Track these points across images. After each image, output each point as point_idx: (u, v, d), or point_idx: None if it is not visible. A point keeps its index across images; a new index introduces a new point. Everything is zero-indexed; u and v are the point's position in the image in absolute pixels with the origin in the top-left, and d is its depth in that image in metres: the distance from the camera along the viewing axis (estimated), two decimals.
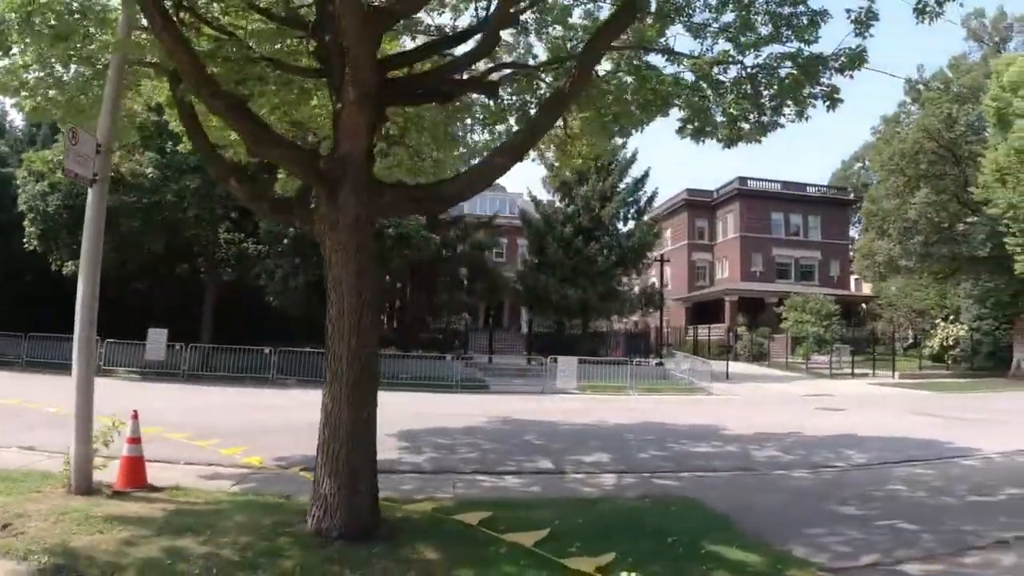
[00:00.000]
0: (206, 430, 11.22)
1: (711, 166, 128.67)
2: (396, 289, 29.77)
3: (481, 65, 8.48)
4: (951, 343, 35.14)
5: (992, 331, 33.64)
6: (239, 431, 11.48)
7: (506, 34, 8.72)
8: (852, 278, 52.13)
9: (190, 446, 10.06)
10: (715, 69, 7.96)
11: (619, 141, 31.73)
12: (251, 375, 23.21)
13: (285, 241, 23.36)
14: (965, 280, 33.03)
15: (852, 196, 51.23)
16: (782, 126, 8.17)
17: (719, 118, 8.29)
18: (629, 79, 7.94)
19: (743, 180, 49.97)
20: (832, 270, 49.13)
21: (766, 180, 50.63)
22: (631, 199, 32.21)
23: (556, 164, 11.73)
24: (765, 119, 8.12)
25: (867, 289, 50.39)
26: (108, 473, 7.18)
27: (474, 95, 9.13)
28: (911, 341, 41.93)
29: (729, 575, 5.19)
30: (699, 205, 53.79)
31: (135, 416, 7.48)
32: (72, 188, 21.51)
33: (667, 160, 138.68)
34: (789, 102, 7.89)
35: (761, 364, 39.27)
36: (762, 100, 7.95)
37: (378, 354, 6.60)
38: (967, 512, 7.24)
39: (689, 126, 8.09)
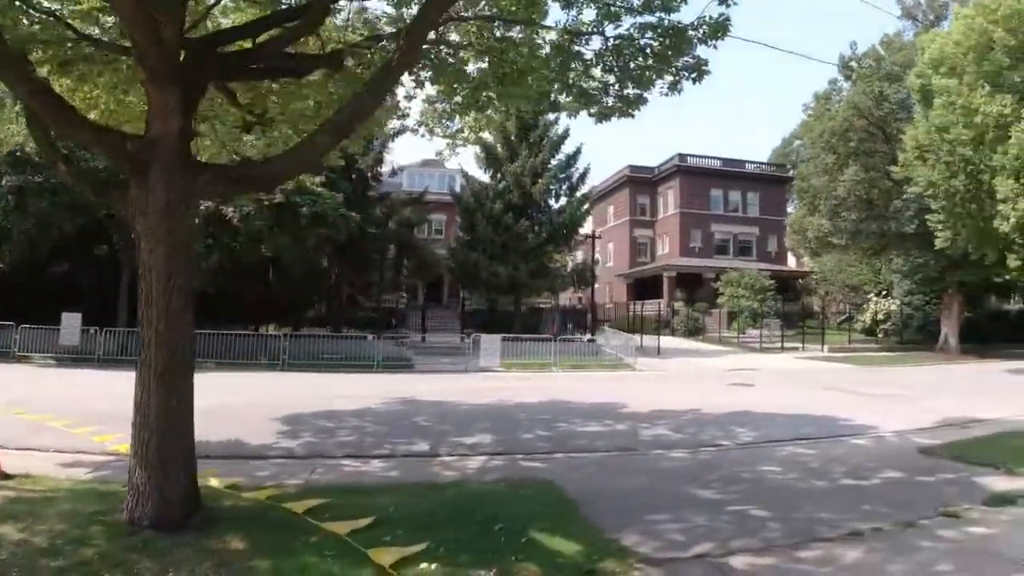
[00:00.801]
0: (92, 417, 10.75)
1: (666, 143, 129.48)
2: (322, 269, 28.87)
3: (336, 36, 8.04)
4: (882, 317, 36.02)
5: (923, 306, 34.53)
6: (124, 417, 10.75)
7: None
8: (790, 254, 52.98)
9: (67, 433, 9.73)
10: (578, 41, 7.56)
11: (551, 116, 31.62)
12: None
13: (196, 220, 22.27)
14: (896, 256, 33.68)
15: (791, 173, 51.77)
16: (645, 101, 7.83)
17: (591, 91, 7.95)
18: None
19: (683, 157, 50.05)
20: (770, 246, 49.78)
21: (706, 157, 50.80)
22: (563, 175, 31.79)
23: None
24: (630, 92, 7.76)
25: (809, 264, 51.25)
26: None
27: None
28: (845, 316, 42.85)
29: (536, 565, 4.85)
30: (641, 182, 53.76)
31: None
32: None
33: (619, 136, 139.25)
34: (655, 75, 7.55)
35: (696, 339, 39.62)
36: (629, 72, 7.58)
37: (192, 339, 6.19)
38: (833, 497, 6.96)
39: (546, 100, 7.70)
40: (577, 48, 7.52)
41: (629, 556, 5.11)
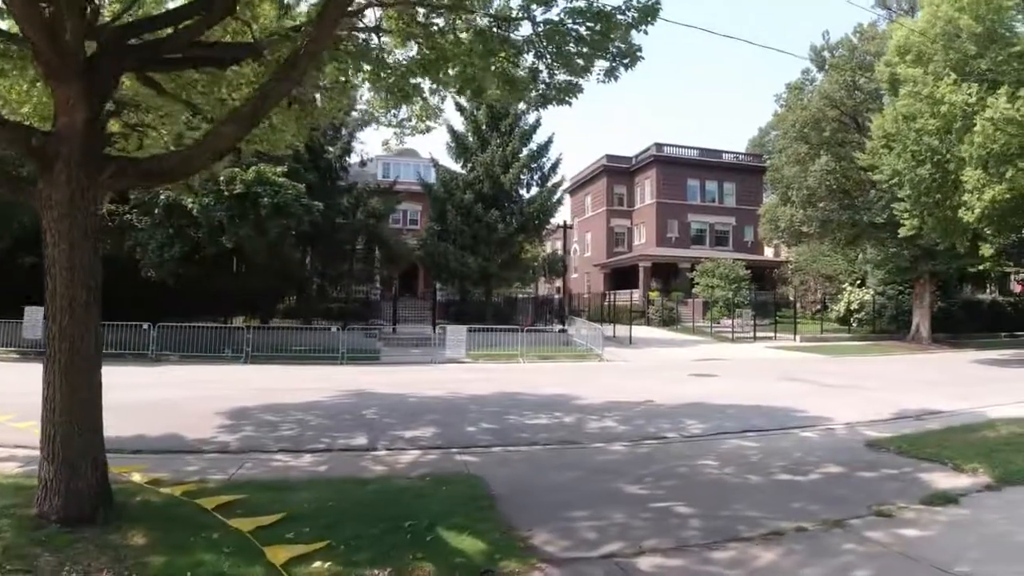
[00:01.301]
0: (37, 411, 10.39)
1: (648, 133, 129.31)
2: (291, 260, 28.49)
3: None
4: (856, 307, 36.16)
5: (896, 295, 34.71)
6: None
7: None
8: (767, 244, 53.12)
9: (8, 427, 9.58)
10: (506, 26, 7.33)
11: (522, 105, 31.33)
12: (132, 352, 22.26)
13: (156, 211, 21.98)
14: (870, 246, 33.78)
15: (767, 163, 51.80)
16: (580, 89, 7.63)
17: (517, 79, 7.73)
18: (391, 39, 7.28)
19: (659, 146, 49.94)
20: (747, 235, 49.79)
21: (683, 147, 50.69)
22: (535, 165, 31.50)
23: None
24: (562, 79, 7.56)
25: (785, 254, 51.38)
26: None
27: None
28: (820, 305, 43.04)
29: (432, 565, 4.69)
30: (618, 171, 53.61)
31: None
32: None
33: (602, 126, 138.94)
34: (587, 62, 7.35)
35: (671, 328, 39.63)
36: (561, 57, 7.38)
37: (98, 333, 6.02)
38: (765, 494, 6.78)
39: (468, 87, 7.48)
40: (506, 34, 7.30)
41: (533, 556, 4.94)
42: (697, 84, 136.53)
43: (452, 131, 30.97)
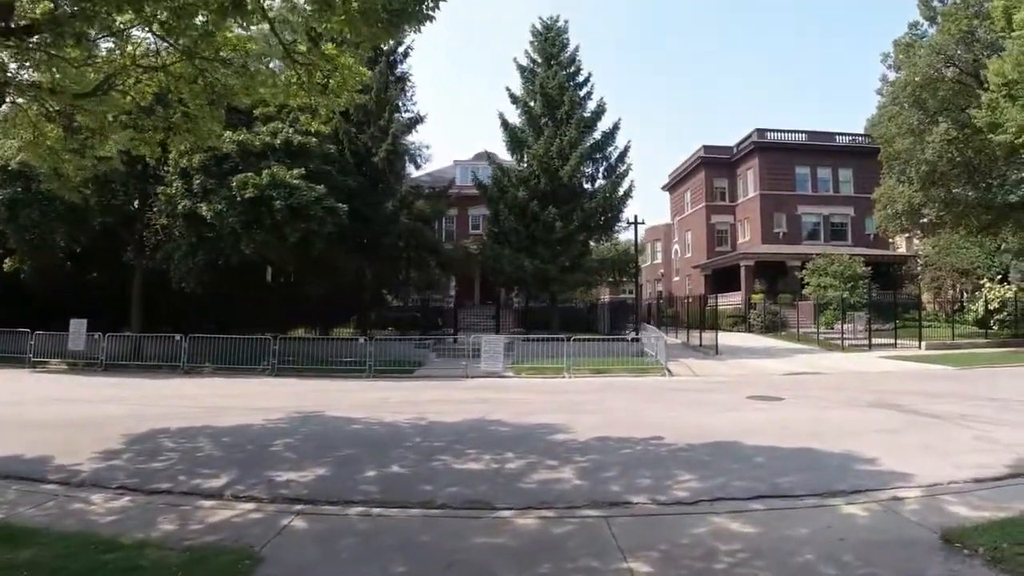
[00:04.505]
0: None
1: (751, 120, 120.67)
2: (344, 269, 26.99)
3: None
4: (997, 306, 30.16)
5: None
6: (36, 425, 11.06)
7: None
8: (896, 236, 46.43)
9: None
10: None
11: (582, 93, 28.33)
12: (168, 363, 22.01)
13: (177, 221, 21.10)
14: (1010, 233, 27.97)
15: (873, 133, 45.12)
16: None
17: None
18: None
19: (761, 132, 44.89)
20: (868, 228, 43.21)
21: (788, 131, 45.26)
22: (598, 156, 28.24)
23: None
24: None
25: (916, 247, 44.66)
26: None
27: None
28: (956, 306, 36.69)
29: None
30: (717, 163, 48.97)
31: None
32: None
33: (700, 118, 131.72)
34: None
35: (774, 335, 35.05)
36: None
37: None
38: None
39: None
40: None
41: None
42: (800, 62, 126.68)
43: (505, 123, 28.33)
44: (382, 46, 27.72)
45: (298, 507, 6.43)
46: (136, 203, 23.93)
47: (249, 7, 6.54)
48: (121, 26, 7.95)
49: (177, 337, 22.03)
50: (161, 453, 9.00)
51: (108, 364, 22.18)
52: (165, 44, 9.29)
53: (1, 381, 18.32)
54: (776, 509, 6.44)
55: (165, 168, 21.04)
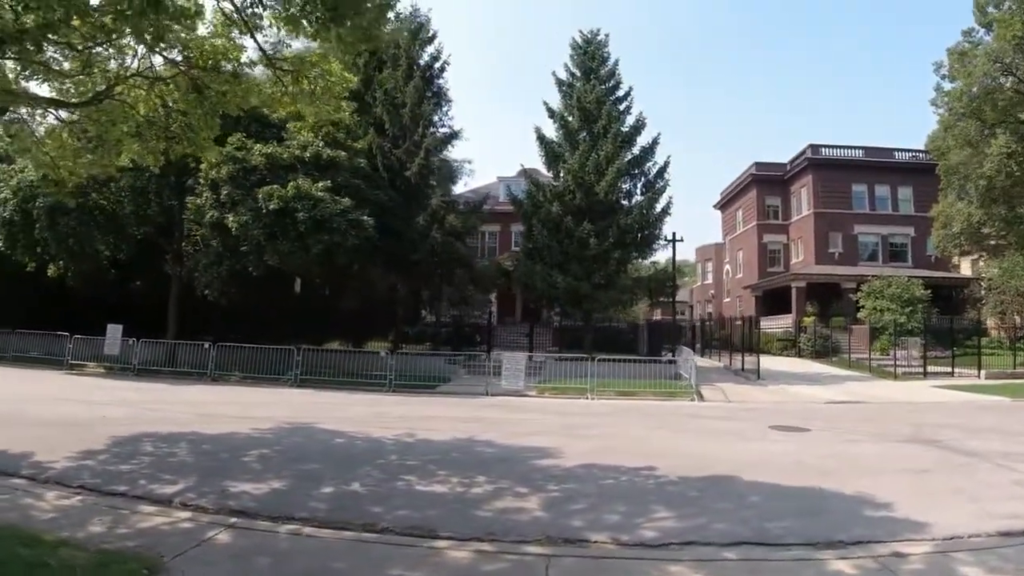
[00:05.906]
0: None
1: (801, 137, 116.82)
2: (376, 283, 26.98)
3: None
4: None
5: None
6: (33, 423, 11.35)
7: None
8: (960, 258, 43.90)
9: None
10: None
11: (622, 106, 27.66)
12: (197, 371, 22.27)
13: (202, 230, 21.46)
14: None
15: (928, 145, 42.67)
16: None
17: None
18: None
19: (815, 148, 43.26)
20: (929, 249, 40.88)
21: (844, 147, 43.49)
22: (636, 171, 27.47)
23: None
24: None
25: (983, 269, 42.04)
26: None
27: None
28: (1022, 332, 34.24)
29: None
30: (769, 180, 47.41)
31: None
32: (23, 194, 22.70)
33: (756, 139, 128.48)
34: None
35: (824, 361, 33.42)
36: None
37: None
38: None
39: None
40: None
41: None
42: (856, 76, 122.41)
43: (542, 138, 27.86)
44: (418, 61, 27.95)
45: (232, 520, 6.23)
46: (173, 214, 24.46)
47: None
48: (82, 36, 7.91)
49: (205, 345, 22.30)
50: (135, 456, 9.05)
51: (140, 369, 22.57)
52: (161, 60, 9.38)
53: (28, 381, 18.81)
54: (751, 560, 5.70)
55: (198, 179, 21.43)
